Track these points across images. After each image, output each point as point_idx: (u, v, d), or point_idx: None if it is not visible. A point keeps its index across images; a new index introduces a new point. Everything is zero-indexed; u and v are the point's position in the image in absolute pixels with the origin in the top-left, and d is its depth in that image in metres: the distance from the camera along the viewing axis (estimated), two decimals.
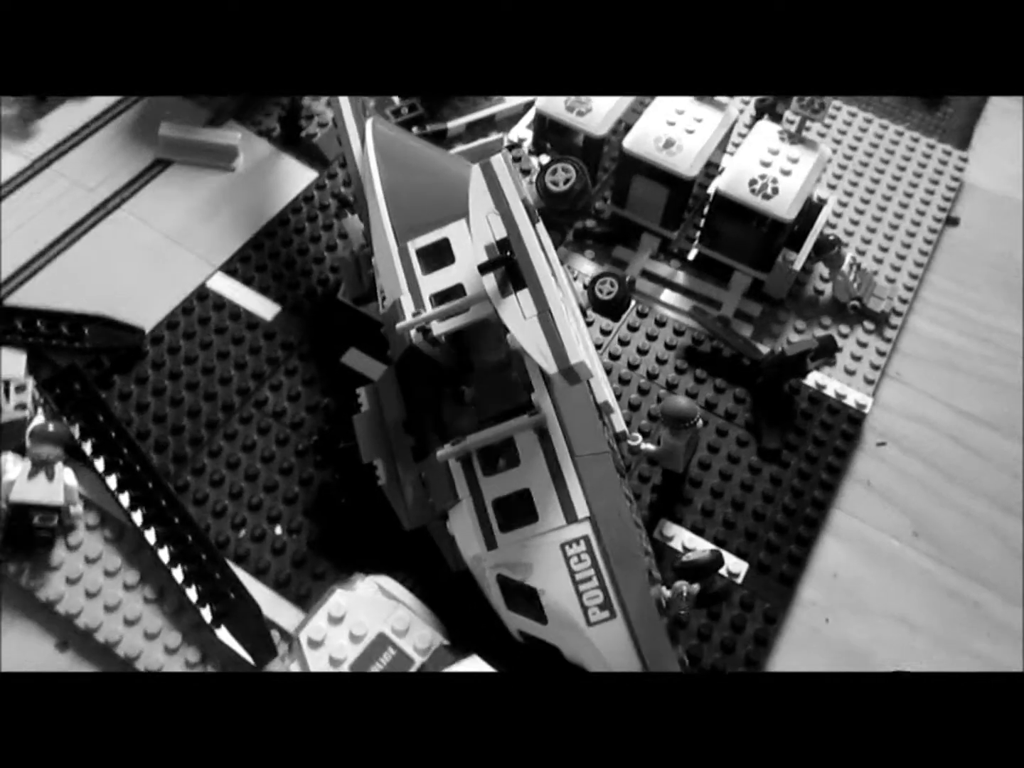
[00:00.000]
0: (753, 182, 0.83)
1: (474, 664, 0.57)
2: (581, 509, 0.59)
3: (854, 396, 0.84)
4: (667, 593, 0.62)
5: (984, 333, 0.93)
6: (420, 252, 0.68)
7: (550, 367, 0.56)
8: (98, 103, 0.98)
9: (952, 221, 1.01)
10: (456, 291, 0.66)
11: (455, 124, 0.99)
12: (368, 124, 0.75)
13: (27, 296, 0.83)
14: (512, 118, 1.03)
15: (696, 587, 0.62)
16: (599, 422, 0.63)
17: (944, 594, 0.76)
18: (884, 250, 0.97)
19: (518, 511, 0.60)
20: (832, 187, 1.01)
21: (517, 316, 0.57)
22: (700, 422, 0.72)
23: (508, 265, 0.58)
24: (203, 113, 0.98)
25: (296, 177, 0.95)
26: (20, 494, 0.69)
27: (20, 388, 0.75)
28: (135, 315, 0.82)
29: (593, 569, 0.58)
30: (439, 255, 0.67)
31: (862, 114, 1.08)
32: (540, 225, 0.64)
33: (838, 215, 0.98)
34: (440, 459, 0.62)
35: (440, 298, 0.66)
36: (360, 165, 0.76)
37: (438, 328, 0.65)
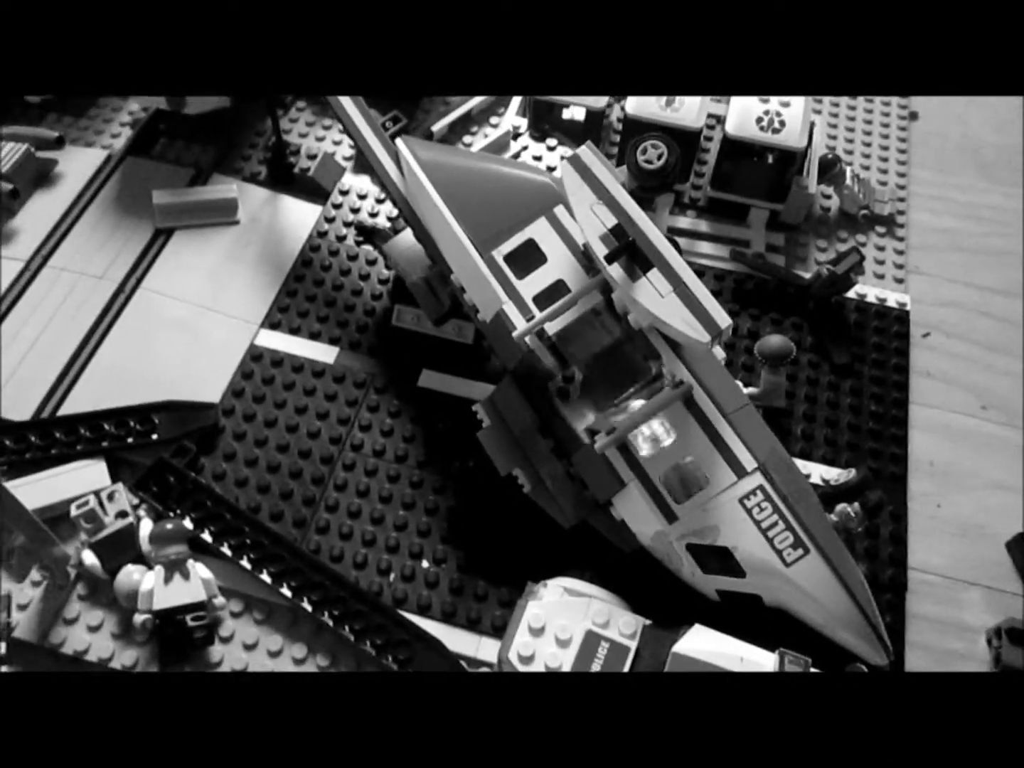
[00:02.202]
0: (759, 120, 0.86)
1: (700, 633, 0.59)
2: (748, 462, 0.62)
3: (894, 297, 0.89)
4: (833, 518, 0.66)
5: (975, 212, 1.00)
6: (508, 259, 0.68)
7: (702, 336, 0.58)
8: (68, 188, 0.92)
9: (913, 116, 1.08)
10: (557, 287, 0.67)
11: (439, 127, 0.98)
12: (400, 145, 0.74)
13: (77, 403, 0.78)
14: (485, 111, 1.02)
15: (857, 505, 0.66)
16: (732, 377, 0.65)
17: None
18: (867, 156, 1.02)
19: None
20: None
21: (654, 296, 0.59)
22: None
23: (631, 250, 0.59)
24: (184, 172, 0.94)
25: (301, 215, 0.92)
26: (164, 601, 0.66)
27: (111, 496, 0.72)
28: (195, 392, 0.79)
29: (776, 514, 0.61)
30: (528, 257, 0.68)
31: None
32: None
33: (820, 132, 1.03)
34: (600, 450, 0.63)
35: (542, 298, 0.67)
36: (403, 188, 0.75)
37: (552, 327, 0.66)
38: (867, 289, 0.90)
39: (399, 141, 0.75)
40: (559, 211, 0.68)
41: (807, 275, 0.88)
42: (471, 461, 0.74)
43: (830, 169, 0.93)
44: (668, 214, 0.93)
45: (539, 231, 0.68)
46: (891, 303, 0.89)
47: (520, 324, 0.66)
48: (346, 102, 0.78)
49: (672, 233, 0.92)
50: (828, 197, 0.97)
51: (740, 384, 0.76)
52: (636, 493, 0.63)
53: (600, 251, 0.60)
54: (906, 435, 0.81)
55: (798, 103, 0.88)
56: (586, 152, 0.62)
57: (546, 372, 0.68)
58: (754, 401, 0.77)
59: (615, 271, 0.59)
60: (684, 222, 0.94)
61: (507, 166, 0.73)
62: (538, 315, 0.65)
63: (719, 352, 0.67)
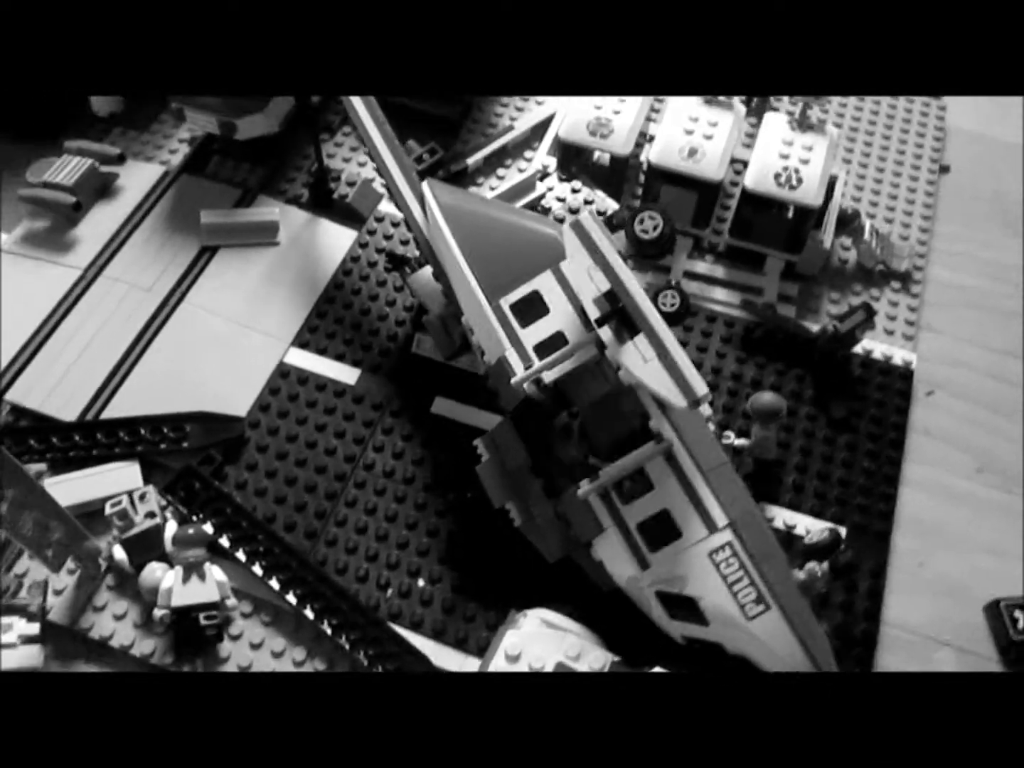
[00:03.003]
0: (778, 176, 0.89)
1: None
2: (720, 519, 0.66)
3: (900, 354, 0.92)
4: (801, 576, 0.69)
5: (995, 270, 1.01)
6: (513, 308, 0.72)
7: (679, 402, 0.61)
8: (126, 202, 0.99)
9: (944, 169, 1.08)
10: (557, 338, 0.71)
11: (474, 160, 1.03)
12: (425, 188, 0.79)
13: (119, 408, 0.85)
14: (519, 145, 1.07)
15: (826, 565, 0.69)
16: (713, 435, 0.69)
17: (1019, 519, 0.84)
18: (891, 209, 1.04)
19: (662, 530, 0.67)
20: None
21: (638, 360, 0.63)
22: None
23: (620, 315, 0.63)
24: (232, 192, 1.00)
25: (338, 238, 0.98)
26: (181, 599, 0.73)
27: (143, 497, 0.79)
28: (225, 404, 0.85)
29: (742, 570, 0.65)
30: (532, 307, 0.72)
31: None
32: None
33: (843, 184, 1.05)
34: (582, 496, 0.67)
35: (542, 347, 0.71)
36: (425, 229, 0.80)
37: (549, 376, 0.70)
38: (875, 345, 0.92)
39: (424, 184, 0.80)
40: (564, 266, 0.72)
41: (814, 328, 0.91)
42: (469, 492, 0.79)
43: (849, 223, 0.95)
44: (686, 258, 0.97)
45: (544, 284, 0.72)
46: (896, 360, 0.91)
47: (519, 371, 0.71)
48: (379, 142, 0.83)
49: (688, 277, 0.96)
50: (847, 249, 0.99)
51: (732, 434, 0.80)
52: (614, 538, 0.67)
53: (593, 313, 0.64)
54: (895, 493, 0.84)
55: (818, 160, 0.90)
56: (587, 219, 0.66)
57: (546, 413, 0.73)
58: (745, 453, 0.81)
59: (605, 333, 0.64)
60: (702, 267, 0.97)
61: (522, 217, 0.78)
62: (536, 364, 0.70)
63: (705, 410, 0.71)
